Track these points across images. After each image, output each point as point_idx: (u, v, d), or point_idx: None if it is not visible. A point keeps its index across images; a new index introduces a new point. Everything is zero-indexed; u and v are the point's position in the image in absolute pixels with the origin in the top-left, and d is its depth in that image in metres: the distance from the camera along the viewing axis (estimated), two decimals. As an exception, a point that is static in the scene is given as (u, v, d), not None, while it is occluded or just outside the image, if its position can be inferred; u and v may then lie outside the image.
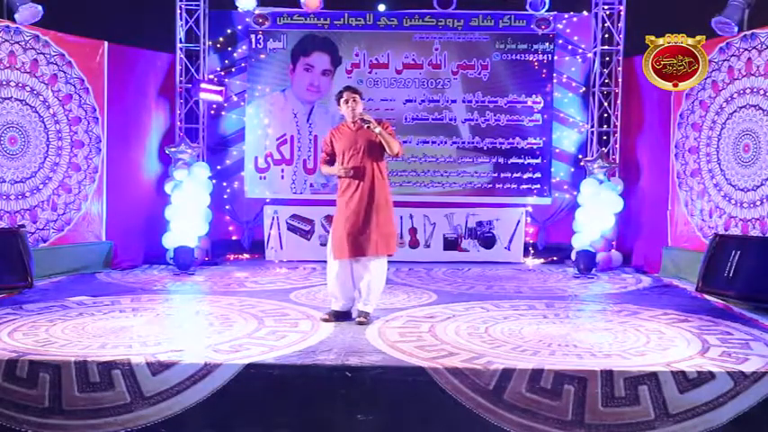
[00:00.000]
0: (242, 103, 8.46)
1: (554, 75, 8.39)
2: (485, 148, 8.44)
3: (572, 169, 8.49)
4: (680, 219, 7.37)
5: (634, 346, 4.25)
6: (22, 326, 4.60)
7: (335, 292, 4.92)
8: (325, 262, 5.02)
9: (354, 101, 4.85)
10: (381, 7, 8.36)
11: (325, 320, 4.88)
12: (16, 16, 6.68)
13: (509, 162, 8.44)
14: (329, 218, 7.37)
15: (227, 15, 8.38)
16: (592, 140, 8.32)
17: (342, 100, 4.90)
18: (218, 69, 8.38)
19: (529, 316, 5.19)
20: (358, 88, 5.09)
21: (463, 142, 8.45)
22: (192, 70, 8.19)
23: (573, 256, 7.89)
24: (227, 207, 8.51)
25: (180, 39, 8.13)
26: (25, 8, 6.66)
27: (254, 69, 8.45)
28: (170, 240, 7.68)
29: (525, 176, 8.44)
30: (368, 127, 4.78)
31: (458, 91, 8.41)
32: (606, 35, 8.23)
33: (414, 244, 8.40)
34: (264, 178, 8.48)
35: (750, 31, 6.54)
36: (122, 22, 7.59)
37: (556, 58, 8.39)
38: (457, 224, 8.41)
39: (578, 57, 8.41)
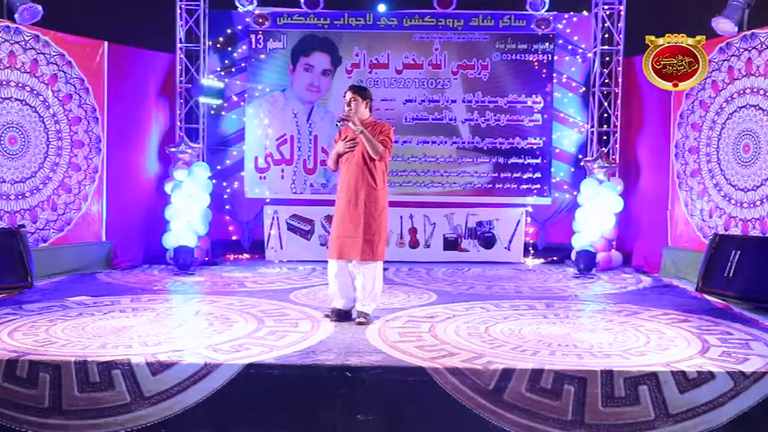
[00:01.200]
0: (242, 103, 8.46)
1: (554, 75, 8.38)
2: (485, 148, 8.44)
3: (572, 169, 8.49)
4: (680, 219, 7.37)
5: (634, 346, 4.25)
6: (22, 326, 4.60)
7: (335, 291, 4.93)
8: (326, 262, 5.03)
9: (355, 101, 4.81)
10: (381, 7, 8.36)
11: (327, 317, 4.88)
12: (16, 16, 6.68)
13: (509, 162, 8.44)
14: (329, 218, 7.36)
15: (227, 15, 8.38)
16: (592, 140, 8.32)
17: (345, 99, 4.89)
18: (219, 69, 8.38)
19: (529, 316, 5.19)
20: (364, 88, 5.00)
21: (463, 142, 8.45)
22: (192, 70, 8.18)
23: (573, 256, 7.89)
24: (227, 207, 8.51)
25: (180, 39, 8.13)
26: (25, 8, 6.66)
27: (254, 69, 8.45)
28: (170, 240, 7.68)
29: (525, 176, 8.44)
30: (338, 123, 4.85)
31: (458, 91, 8.41)
32: (606, 35, 8.22)
33: (414, 244, 8.40)
34: (264, 178, 8.48)
35: (750, 31, 6.54)
36: (122, 22, 7.59)
37: (556, 58, 8.39)
38: (457, 224, 8.41)
39: (578, 57, 8.41)
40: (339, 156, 4.89)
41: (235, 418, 3.65)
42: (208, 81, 8.01)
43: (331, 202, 5.06)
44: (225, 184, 8.49)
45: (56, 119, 7.09)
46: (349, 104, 4.81)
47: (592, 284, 6.89)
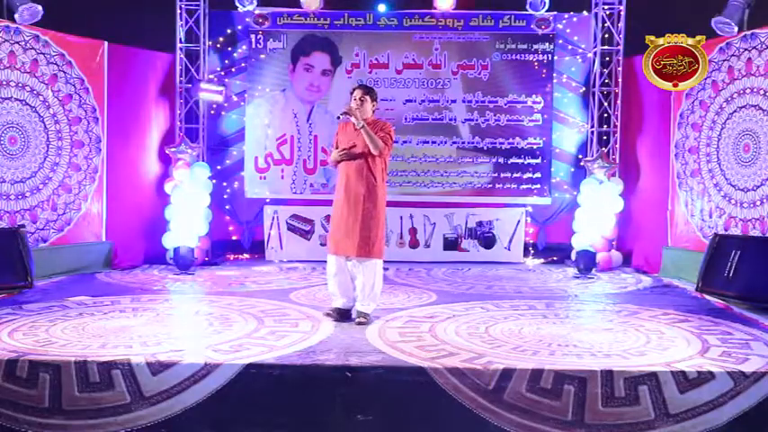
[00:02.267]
0: (242, 103, 8.46)
1: (554, 75, 8.38)
2: (485, 148, 8.44)
3: (572, 169, 8.49)
4: (680, 219, 7.37)
5: (634, 346, 4.25)
6: (22, 326, 4.60)
7: (334, 290, 4.93)
8: (325, 262, 5.03)
9: (364, 100, 4.81)
10: (381, 7, 8.36)
11: (328, 315, 4.88)
12: (16, 16, 6.68)
13: (509, 162, 8.44)
14: (329, 218, 7.36)
15: (227, 15, 8.37)
16: (592, 140, 8.32)
17: (351, 96, 4.88)
18: (219, 69, 8.38)
19: (529, 316, 5.19)
20: (372, 89, 4.98)
21: (463, 142, 8.45)
22: (192, 70, 8.18)
23: (573, 256, 7.89)
24: (227, 207, 8.51)
25: (180, 39, 8.13)
26: (25, 8, 6.66)
27: (254, 69, 8.45)
28: (170, 240, 7.68)
29: (525, 176, 8.44)
30: (339, 116, 4.84)
31: (458, 91, 8.41)
32: (606, 35, 8.22)
33: (414, 244, 8.40)
34: (264, 178, 8.47)
35: (750, 31, 6.54)
36: (122, 22, 7.58)
37: (556, 58, 8.38)
38: (457, 224, 8.41)
39: (578, 57, 8.41)
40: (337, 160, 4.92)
41: (235, 418, 3.65)
42: (206, 85, 7.99)
43: (331, 202, 5.07)
44: (225, 184, 8.49)
45: (56, 119, 7.09)
46: (361, 100, 4.80)
47: (592, 284, 6.89)
